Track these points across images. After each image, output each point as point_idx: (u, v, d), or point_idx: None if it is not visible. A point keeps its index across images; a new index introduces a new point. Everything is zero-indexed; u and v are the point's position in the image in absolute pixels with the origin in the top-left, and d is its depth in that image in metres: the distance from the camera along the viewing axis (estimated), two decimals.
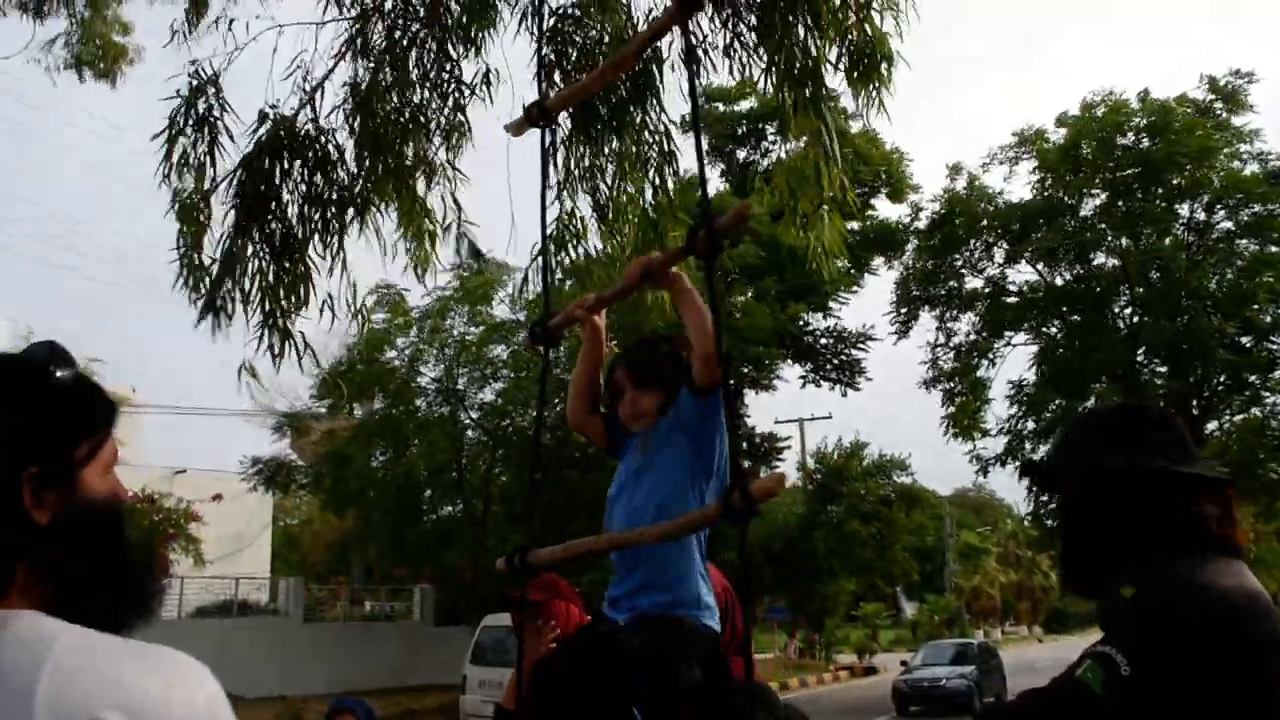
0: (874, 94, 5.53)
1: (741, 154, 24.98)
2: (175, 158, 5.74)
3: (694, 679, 2.49)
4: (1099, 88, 26.73)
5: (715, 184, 23.98)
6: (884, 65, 5.52)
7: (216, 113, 5.82)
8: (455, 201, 6.08)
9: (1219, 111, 25.07)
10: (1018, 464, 25.80)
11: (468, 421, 21.70)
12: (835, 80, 5.65)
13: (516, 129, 3.52)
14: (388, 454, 21.43)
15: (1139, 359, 25.00)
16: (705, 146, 20.37)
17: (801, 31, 5.41)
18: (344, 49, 5.98)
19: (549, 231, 5.61)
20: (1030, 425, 25.87)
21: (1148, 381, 24.68)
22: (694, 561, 2.64)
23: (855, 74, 5.51)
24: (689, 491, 2.60)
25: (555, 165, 5.60)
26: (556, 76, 5.83)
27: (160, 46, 6.54)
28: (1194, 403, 24.75)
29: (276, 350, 5.80)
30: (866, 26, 5.49)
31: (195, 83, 5.83)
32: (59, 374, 1.19)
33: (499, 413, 20.90)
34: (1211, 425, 25.00)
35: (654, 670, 2.44)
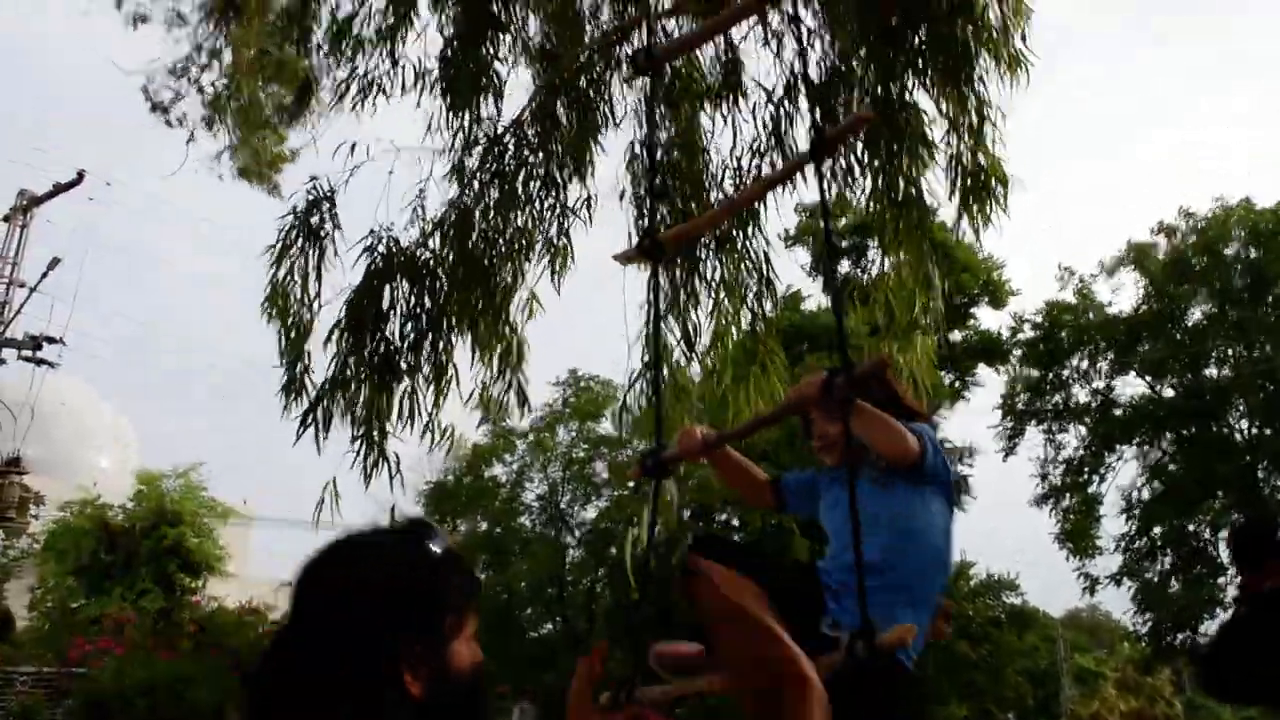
0: (986, 217, 5.61)
1: (843, 268, 25.12)
2: (283, 272, 6.00)
3: None
4: (1211, 195, 26.16)
5: (817, 299, 24.02)
6: (999, 189, 5.61)
7: (328, 228, 6.13)
8: (519, 348, 6.16)
9: None
10: (1135, 583, 24.72)
11: (570, 540, 21.75)
12: (947, 208, 5.75)
13: (627, 259, 3.66)
14: (489, 571, 21.53)
15: (1260, 473, 23.92)
16: (806, 262, 20.30)
17: (905, 158, 5.57)
18: (452, 173, 6.27)
19: (638, 359, 5.77)
20: (1144, 543, 24.87)
21: (1270, 497, 23.54)
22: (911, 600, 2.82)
23: (968, 199, 5.61)
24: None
25: (664, 292, 5.77)
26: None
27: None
28: None
29: (369, 471, 5.93)
30: (979, 154, 5.60)
31: (312, 198, 6.17)
32: (435, 548, 1.26)
33: (602, 532, 20.89)
34: None
35: None
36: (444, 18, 6.12)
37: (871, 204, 5.75)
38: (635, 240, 5.51)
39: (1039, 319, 26.07)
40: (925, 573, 2.95)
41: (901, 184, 5.71)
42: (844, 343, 3.15)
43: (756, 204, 5.63)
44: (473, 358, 6.11)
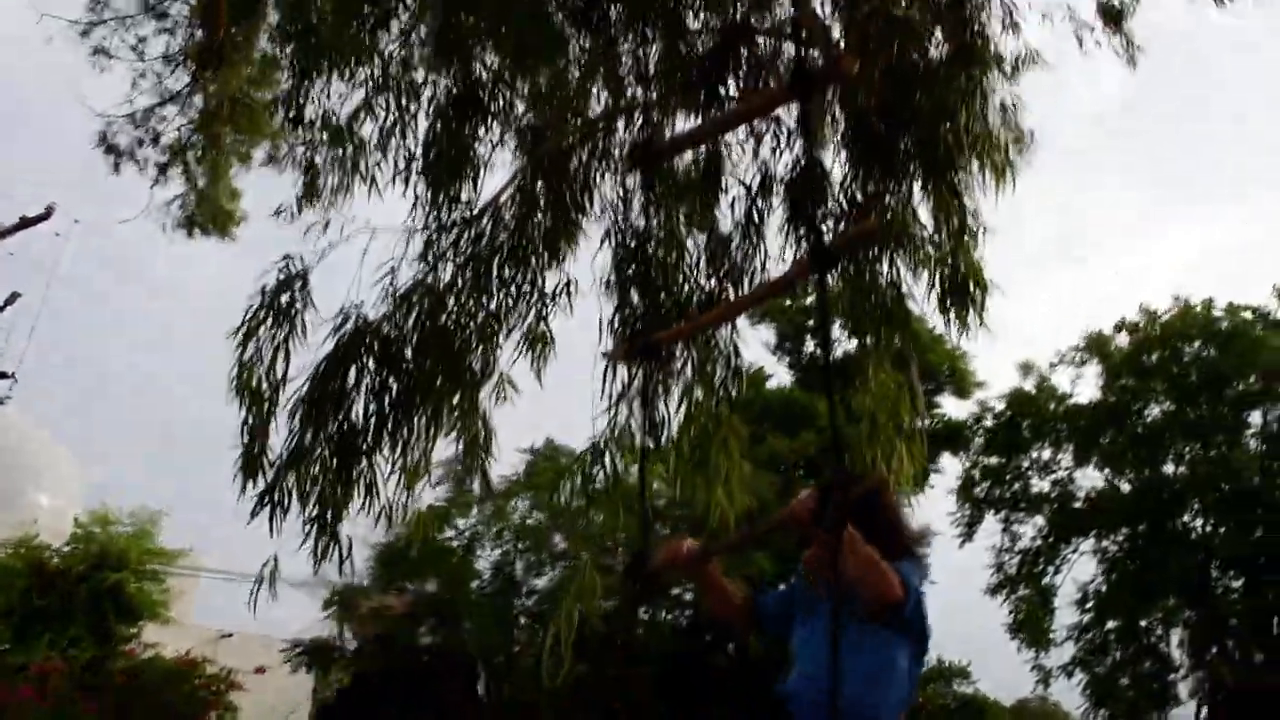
0: (965, 321, 5.66)
1: (808, 347, 25.21)
2: (249, 350, 5.87)
3: None
4: (1170, 294, 26.70)
5: (781, 376, 24.10)
6: (978, 292, 5.66)
7: (299, 306, 6.02)
8: (487, 432, 6.10)
9: None
10: (1087, 675, 24.68)
11: (520, 607, 21.36)
12: (928, 308, 5.80)
13: (618, 357, 3.62)
14: (436, 635, 21.08)
15: (1213, 572, 24.07)
16: (771, 341, 20.40)
17: (886, 264, 5.60)
18: (428, 252, 6.20)
19: (596, 436, 5.67)
20: (1096, 634, 24.88)
21: (1222, 597, 23.69)
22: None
23: (946, 302, 5.66)
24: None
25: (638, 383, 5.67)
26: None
27: (262, 206, 6.96)
28: (1275, 620, 23.60)
29: (320, 554, 5.78)
30: (960, 257, 5.65)
31: (283, 276, 6.05)
32: None
33: (555, 602, 20.52)
34: None
35: None
36: (430, 97, 6.11)
37: (852, 305, 5.76)
38: (614, 330, 5.53)
39: (1001, 406, 26.28)
40: (891, 716, 2.99)
41: (883, 284, 5.75)
42: (841, 476, 3.08)
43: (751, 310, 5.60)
44: (427, 436, 5.99)
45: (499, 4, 6.30)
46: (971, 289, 5.84)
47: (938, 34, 6.21)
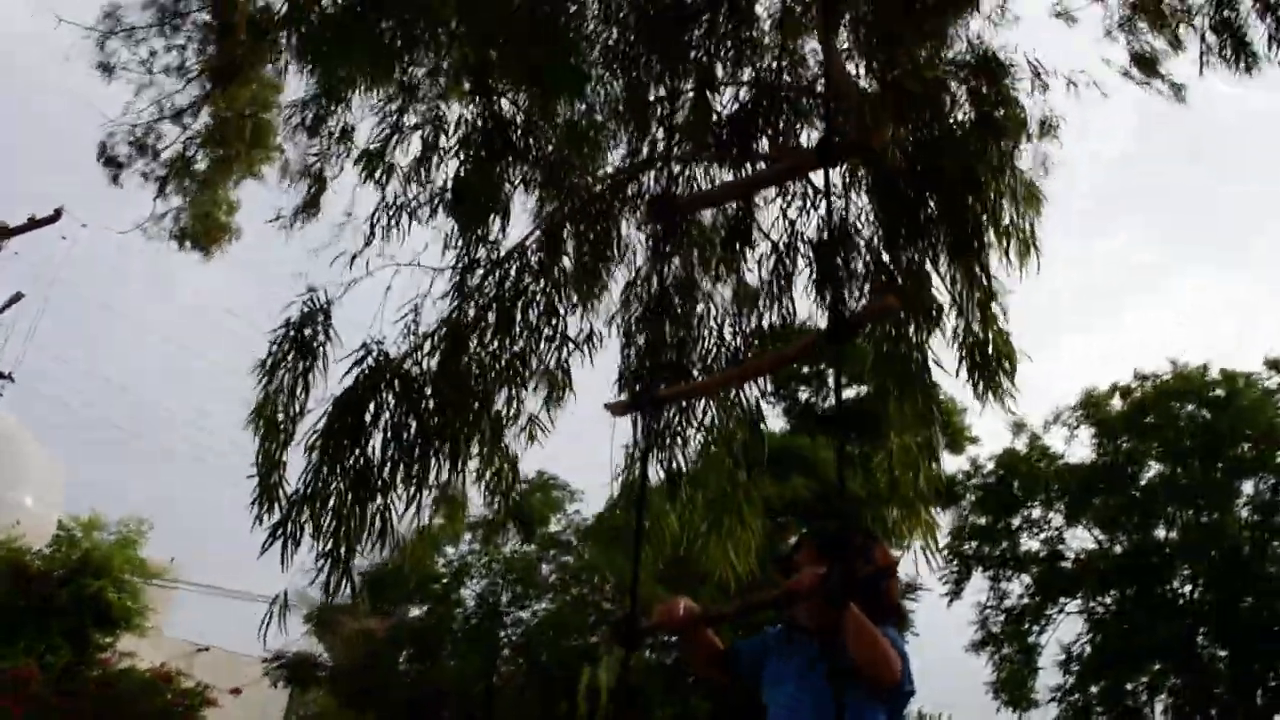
0: (995, 391, 5.64)
1: (803, 394, 25.11)
2: (271, 386, 5.85)
3: None
4: (1165, 358, 26.77)
5: (775, 422, 24.00)
6: (1005, 364, 5.64)
7: (321, 339, 5.99)
8: (514, 469, 6.11)
9: None
10: None
11: (505, 639, 21.15)
12: (953, 379, 5.78)
13: (619, 410, 3.57)
14: (415, 663, 20.84)
15: (1200, 639, 23.92)
16: (768, 389, 20.39)
17: (913, 326, 5.57)
18: (451, 293, 6.19)
19: (617, 483, 5.64)
20: (1078, 699, 24.66)
21: (1209, 665, 23.53)
22: None
23: (974, 373, 5.64)
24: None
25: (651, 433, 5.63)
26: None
27: (257, 226, 6.90)
28: (1259, 691, 23.47)
29: (332, 588, 5.75)
30: (988, 329, 5.63)
31: (306, 310, 6.03)
32: None
33: (540, 632, 20.33)
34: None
35: None
36: (462, 138, 6.10)
37: (875, 367, 5.74)
38: (624, 383, 5.51)
39: (992, 465, 26.18)
40: None
41: (904, 349, 5.72)
42: (849, 547, 3.05)
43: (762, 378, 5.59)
44: (449, 472, 5.95)
45: (529, 41, 6.31)
46: (1000, 360, 5.83)
47: (962, 95, 6.23)
